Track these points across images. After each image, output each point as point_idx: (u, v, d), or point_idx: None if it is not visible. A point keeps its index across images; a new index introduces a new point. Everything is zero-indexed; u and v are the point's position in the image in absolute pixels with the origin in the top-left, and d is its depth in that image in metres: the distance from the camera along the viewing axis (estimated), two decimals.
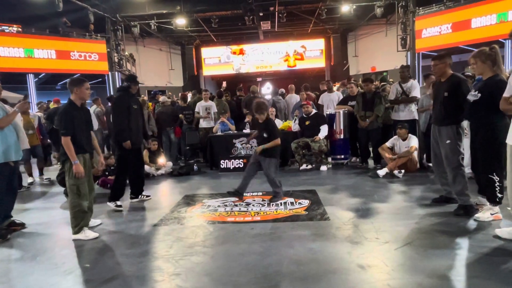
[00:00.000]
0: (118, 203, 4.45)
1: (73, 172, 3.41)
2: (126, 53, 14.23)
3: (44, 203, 5.12)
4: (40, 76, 14.38)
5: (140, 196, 4.79)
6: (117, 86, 13.23)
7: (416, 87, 5.89)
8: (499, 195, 3.27)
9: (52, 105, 8.11)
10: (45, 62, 11.68)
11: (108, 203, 4.45)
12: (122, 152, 4.48)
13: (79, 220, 3.44)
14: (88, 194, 3.57)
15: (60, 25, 12.19)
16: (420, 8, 11.68)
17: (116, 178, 4.56)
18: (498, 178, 3.22)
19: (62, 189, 5.28)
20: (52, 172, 7.13)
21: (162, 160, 6.79)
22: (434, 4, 11.29)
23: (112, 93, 12.13)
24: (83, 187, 3.48)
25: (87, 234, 3.45)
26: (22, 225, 3.91)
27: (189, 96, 9.57)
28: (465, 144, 3.74)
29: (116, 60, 13.36)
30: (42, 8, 10.92)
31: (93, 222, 3.79)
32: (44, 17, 11.68)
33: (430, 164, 5.24)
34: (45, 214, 4.52)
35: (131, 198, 4.77)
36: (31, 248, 3.31)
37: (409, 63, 12.11)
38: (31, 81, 11.83)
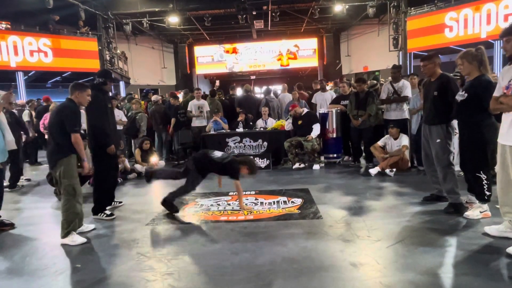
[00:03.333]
0: (108, 212, 4.06)
1: (68, 172, 3.28)
2: (118, 51, 14.08)
3: (34, 203, 5.04)
4: (30, 74, 14.14)
5: (113, 202, 4.36)
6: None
7: (407, 87, 5.95)
8: (487, 193, 3.33)
9: (53, 105, 7.72)
10: (35, 59, 11.50)
11: (94, 216, 4.00)
12: (103, 158, 4.02)
13: (70, 223, 3.29)
14: (82, 194, 3.45)
15: (50, 22, 11.99)
16: (412, 9, 11.79)
17: (98, 188, 4.09)
18: (486, 176, 3.28)
19: (52, 188, 5.21)
20: (40, 172, 7.04)
21: (154, 159, 6.74)
22: (425, 5, 11.41)
23: None
24: (78, 187, 3.36)
25: (74, 239, 3.27)
26: (11, 225, 3.84)
27: (181, 95, 9.51)
28: (455, 143, 3.79)
29: (108, 58, 13.20)
30: (32, 5, 10.74)
31: (86, 227, 3.59)
32: (33, 14, 11.48)
33: (421, 168, 5.32)
34: (35, 214, 4.46)
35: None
36: (20, 249, 3.26)
37: (401, 63, 12.23)
38: (20, 78, 11.63)
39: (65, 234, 3.29)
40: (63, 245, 3.26)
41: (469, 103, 3.24)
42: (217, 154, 4.15)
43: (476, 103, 3.18)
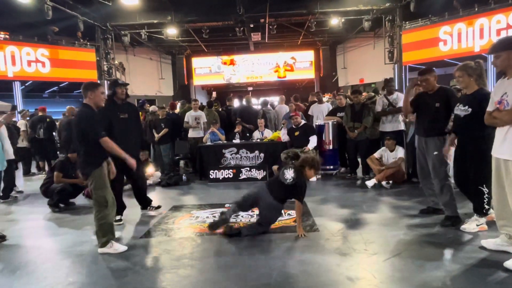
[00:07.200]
0: (117, 217, 4.12)
1: (100, 183, 3.21)
2: (116, 61, 14.14)
3: (26, 215, 4.97)
4: (27, 84, 14.13)
5: (148, 208, 4.64)
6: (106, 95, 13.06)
7: (401, 98, 5.99)
8: (486, 207, 3.32)
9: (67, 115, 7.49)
10: (33, 69, 11.52)
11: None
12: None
13: (106, 232, 3.24)
14: (115, 204, 3.39)
15: (49, 33, 12.05)
16: (407, 22, 11.99)
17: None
18: (487, 190, 3.25)
19: (46, 199, 5.15)
20: (33, 182, 6.95)
21: (150, 170, 6.70)
22: (420, 19, 11.61)
23: None
24: (110, 196, 3.28)
25: (115, 247, 3.25)
26: (3, 238, 3.77)
27: (178, 105, 9.53)
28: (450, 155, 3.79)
29: (106, 68, 13.25)
30: (31, 16, 10.81)
31: None
32: (32, 25, 11.55)
33: (415, 180, 5.31)
34: (28, 226, 4.39)
35: (141, 209, 4.67)
36: (11, 262, 3.19)
37: (396, 76, 12.38)
38: (17, 88, 11.61)
39: (102, 244, 3.24)
40: (56, 258, 3.21)
41: (474, 117, 3.18)
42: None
43: (481, 117, 3.09)
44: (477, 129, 3.21)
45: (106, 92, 4.15)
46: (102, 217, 3.23)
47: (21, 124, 8.12)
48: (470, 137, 3.32)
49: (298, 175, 3.55)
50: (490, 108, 2.82)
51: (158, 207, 4.70)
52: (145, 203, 4.66)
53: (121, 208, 4.25)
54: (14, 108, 7.49)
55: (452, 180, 3.77)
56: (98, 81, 12.89)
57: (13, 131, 6.92)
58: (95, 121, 3.25)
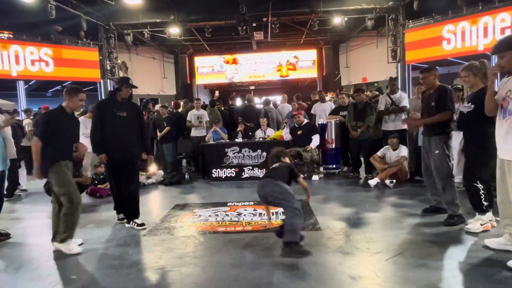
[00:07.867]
0: (120, 216, 4.16)
1: (59, 180, 3.24)
2: (119, 61, 14.18)
3: (30, 213, 5.00)
4: (30, 83, 14.20)
5: (131, 222, 4.01)
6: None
7: (404, 98, 6.00)
8: (485, 203, 3.30)
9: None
10: (36, 69, 11.58)
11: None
12: (106, 166, 4.08)
13: (68, 229, 3.25)
14: (80, 203, 3.36)
15: (52, 32, 12.11)
16: (410, 21, 11.94)
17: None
18: (482, 186, 3.26)
19: (49, 198, 5.17)
20: (37, 181, 6.98)
21: (153, 168, 6.72)
22: (423, 18, 11.56)
23: None
24: (75, 195, 3.27)
25: (71, 247, 3.25)
26: (7, 235, 3.80)
27: (181, 104, 9.55)
28: (454, 154, 3.78)
29: (109, 68, 13.28)
30: (35, 16, 10.86)
31: (74, 241, 3.40)
32: (36, 24, 11.62)
33: (418, 178, 5.29)
34: (31, 224, 4.42)
35: (126, 222, 4.12)
36: (15, 259, 3.21)
37: (399, 75, 12.34)
38: (21, 87, 11.68)
39: (61, 240, 3.25)
40: (59, 255, 3.23)
41: (476, 114, 3.22)
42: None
43: (483, 114, 3.13)
44: (478, 125, 3.25)
45: (114, 87, 4.11)
46: (67, 214, 3.24)
47: (27, 123, 8.16)
48: (472, 133, 3.37)
49: (284, 162, 3.55)
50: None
51: (142, 224, 3.98)
52: (132, 213, 4.03)
53: (122, 207, 4.21)
54: (15, 111, 7.52)
55: (456, 180, 3.76)
56: (101, 80, 12.97)
57: (17, 130, 6.97)
58: (43, 123, 3.28)
